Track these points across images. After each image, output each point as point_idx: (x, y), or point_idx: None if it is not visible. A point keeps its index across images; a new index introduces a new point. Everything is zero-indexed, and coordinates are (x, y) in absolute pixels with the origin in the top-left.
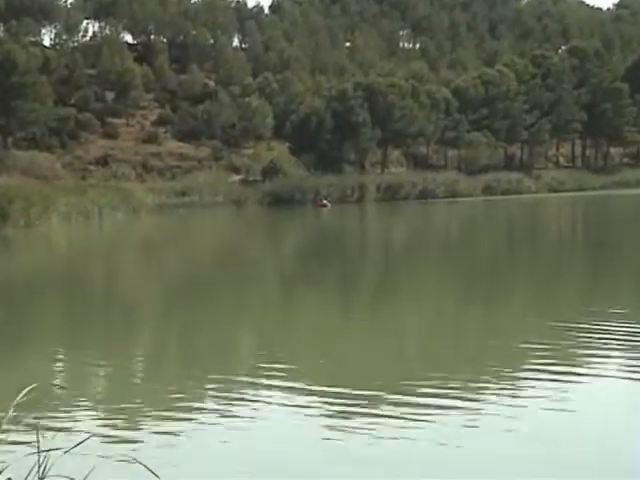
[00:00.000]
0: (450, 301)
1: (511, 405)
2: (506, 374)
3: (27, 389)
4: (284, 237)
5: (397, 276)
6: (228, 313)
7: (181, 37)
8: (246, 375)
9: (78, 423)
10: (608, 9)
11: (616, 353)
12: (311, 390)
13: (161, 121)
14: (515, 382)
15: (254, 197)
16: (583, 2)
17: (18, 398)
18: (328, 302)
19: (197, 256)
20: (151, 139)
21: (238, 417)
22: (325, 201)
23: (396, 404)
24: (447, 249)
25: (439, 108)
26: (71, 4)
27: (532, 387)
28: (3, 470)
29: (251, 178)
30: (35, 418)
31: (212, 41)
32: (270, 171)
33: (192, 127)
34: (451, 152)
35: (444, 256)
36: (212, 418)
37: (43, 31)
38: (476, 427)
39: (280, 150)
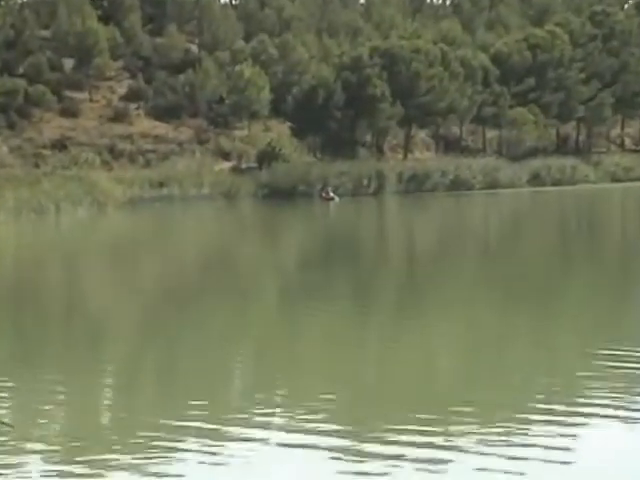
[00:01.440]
0: (489, 321)
1: (566, 449)
2: (557, 409)
3: None
4: (284, 239)
5: (423, 289)
6: (216, 335)
7: None
8: (239, 410)
9: (26, 470)
10: None
11: None
12: (317, 429)
13: (132, 95)
14: (568, 420)
15: (248, 189)
16: None
17: None
18: (338, 321)
19: (177, 263)
20: (120, 117)
21: (229, 460)
22: (332, 194)
23: (419, 445)
24: (485, 255)
25: (475, 78)
26: None
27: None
28: None
29: (244, 165)
30: None
31: None
32: (267, 157)
33: (171, 102)
34: (490, 133)
35: (481, 264)
36: (195, 462)
37: None
38: (521, 475)
39: (279, 131)
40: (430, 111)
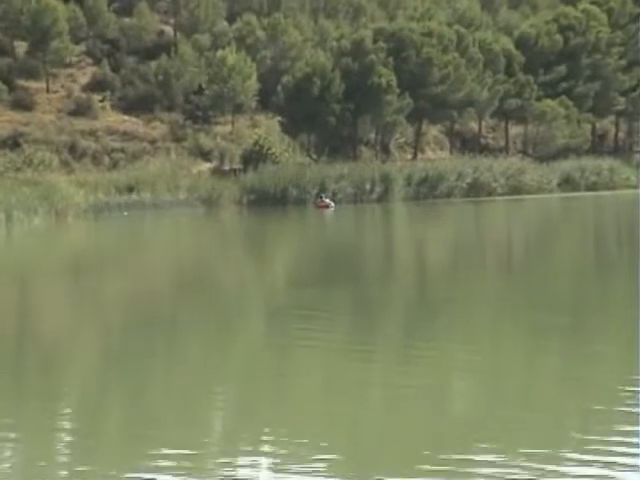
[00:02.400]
0: (511, 353)
1: None
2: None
3: None
4: (272, 254)
5: (435, 317)
6: (192, 371)
7: None
8: (219, 463)
9: None
10: None
11: None
12: None
13: (96, 85)
14: (602, 466)
15: (231, 194)
16: None
17: None
18: (335, 354)
19: (147, 284)
20: (82, 110)
21: None
22: (327, 200)
23: None
24: (507, 275)
25: (496, 66)
26: None
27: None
28: None
29: (227, 167)
30: None
31: None
32: (254, 157)
33: (142, 93)
34: (514, 129)
35: (503, 286)
36: None
37: None
38: None
39: (268, 127)
40: (444, 104)
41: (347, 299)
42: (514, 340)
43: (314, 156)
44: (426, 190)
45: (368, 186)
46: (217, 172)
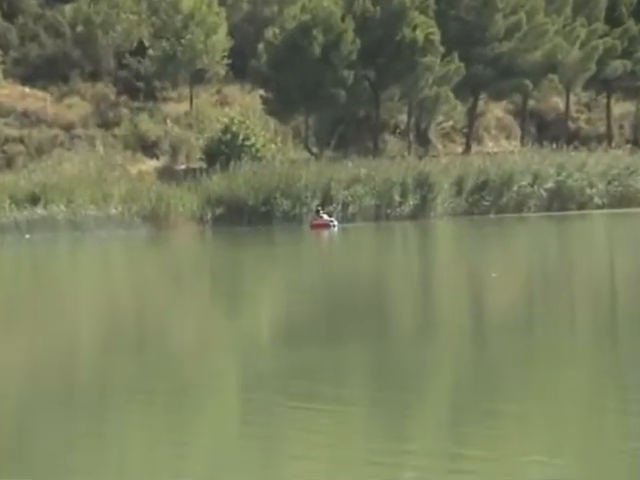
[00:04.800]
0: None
1: None
2: None
3: None
4: (251, 299)
5: (497, 402)
6: (127, 467)
7: None
8: None
9: None
10: None
11: None
12: None
13: None
14: None
15: (188, 208)
16: None
17: None
18: (347, 473)
19: (56, 346)
20: None
21: None
22: (326, 216)
23: None
24: (611, 338)
25: (594, 10)
26: None
27: None
28: None
29: (182, 166)
30: None
31: None
32: (223, 151)
33: (50, 54)
34: (620, 107)
35: (591, 355)
36: None
37: None
38: None
39: (246, 105)
40: (511, 69)
41: (360, 370)
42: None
43: (314, 149)
44: (485, 201)
45: (396, 195)
46: (167, 173)
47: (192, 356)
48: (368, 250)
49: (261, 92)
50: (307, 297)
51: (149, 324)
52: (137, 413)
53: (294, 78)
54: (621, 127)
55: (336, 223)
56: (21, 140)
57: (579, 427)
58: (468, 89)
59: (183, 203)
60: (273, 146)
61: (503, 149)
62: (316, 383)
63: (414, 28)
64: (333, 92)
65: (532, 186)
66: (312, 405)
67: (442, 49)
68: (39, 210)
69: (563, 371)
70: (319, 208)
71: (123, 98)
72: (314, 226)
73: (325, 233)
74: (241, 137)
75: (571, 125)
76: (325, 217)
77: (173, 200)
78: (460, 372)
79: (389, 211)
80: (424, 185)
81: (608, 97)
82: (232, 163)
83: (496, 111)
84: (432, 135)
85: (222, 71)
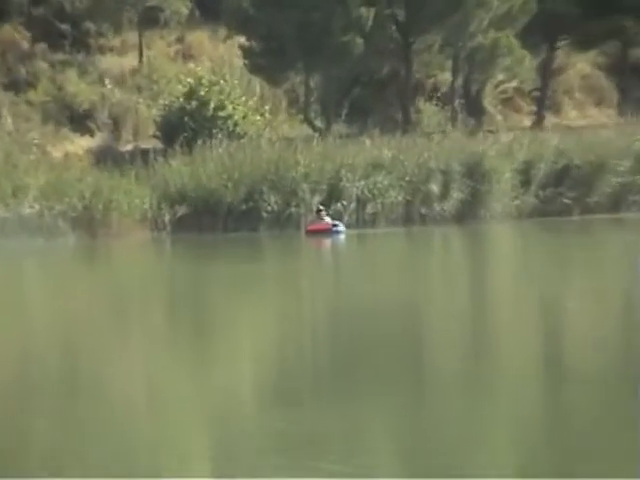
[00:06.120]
0: None
1: None
2: None
3: None
4: (227, 341)
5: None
6: None
7: None
8: None
9: None
10: None
11: None
12: None
13: None
14: None
15: (137, 206)
16: None
17: None
18: None
19: None
20: None
21: None
22: (328, 218)
23: None
24: None
25: None
26: None
27: None
28: None
29: (127, 146)
30: None
31: None
32: (187, 125)
33: None
34: None
35: None
36: None
37: None
38: None
39: (218, 58)
40: (605, 3)
41: (378, 442)
42: None
43: (318, 123)
44: (565, 196)
45: (436, 187)
46: (106, 157)
47: (135, 422)
48: (391, 268)
49: (241, 40)
50: (301, 335)
51: (75, 378)
52: None
53: (289, 20)
54: None
55: (342, 228)
56: None
57: None
58: (541, 34)
59: (129, 200)
60: (259, 118)
61: (592, 121)
62: (317, 460)
63: None
64: (345, 40)
65: (635, 175)
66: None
67: None
68: None
69: None
70: (321, 207)
71: (40, 47)
72: (310, 232)
73: (326, 242)
74: (212, 105)
75: None
76: (327, 220)
77: (115, 195)
78: (528, 448)
79: (424, 211)
80: (476, 173)
81: None
82: (200, 142)
83: (581, 66)
84: (487, 102)
85: (185, 10)
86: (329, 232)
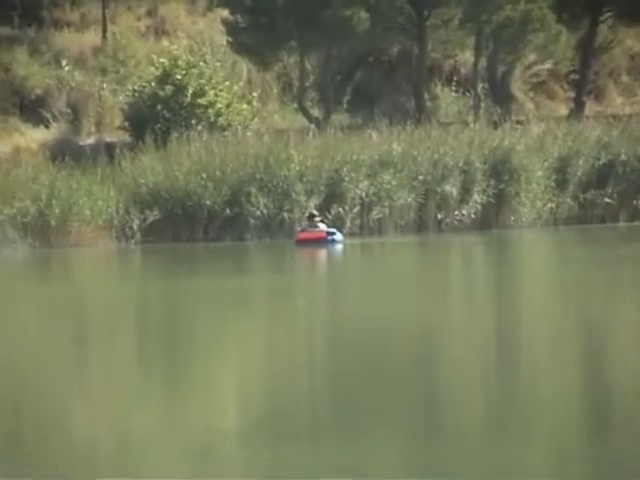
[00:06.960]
0: None
1: None
2: None
3: None
4: (206, 372)
5: None
6: None
7: None
8: None
9: None
10: None
11: None
12: None
13: None
14: None
15: (101, 210)
16: None
17: None
18: None
19: None
20: None
21: None
22: (323, 225)
23: None
24: None
25: None
26: None
27: None
28: None
29: (89, 139)
30: None
31: None
32: (159, 111)
33: None
34: None
35: None
36: None
37: None
38: None
39: (196, 34)
40: None
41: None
42: None
43: (315, 112)
44: (610, 198)
45: (454, 188)
46: (64, 152)
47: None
48: (400, 285)
49: (224, 14)
50: (294, 370)
51: (24, 417)
52: None
53: None
54: None
55: (339, 237)
56: None
57: None
58: (580, 5)
59: (92, 203)
60: (245, 107)
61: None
62: None
63: None
64: (347, 14)
65: None
66: None
67: None
68: None
69: None
70: (314, 212)
71: None
72: (300, 241)
73: (321, 253)
74: (190, 91)
75: None
76: (322, 227)
77: (75, 198)
78: None
79: (442, 216)
80: (502, 172)
81: None
82: (175, 135)
83: (630, 43)
84: (516, 87)
85: None
86: (323, 241)
